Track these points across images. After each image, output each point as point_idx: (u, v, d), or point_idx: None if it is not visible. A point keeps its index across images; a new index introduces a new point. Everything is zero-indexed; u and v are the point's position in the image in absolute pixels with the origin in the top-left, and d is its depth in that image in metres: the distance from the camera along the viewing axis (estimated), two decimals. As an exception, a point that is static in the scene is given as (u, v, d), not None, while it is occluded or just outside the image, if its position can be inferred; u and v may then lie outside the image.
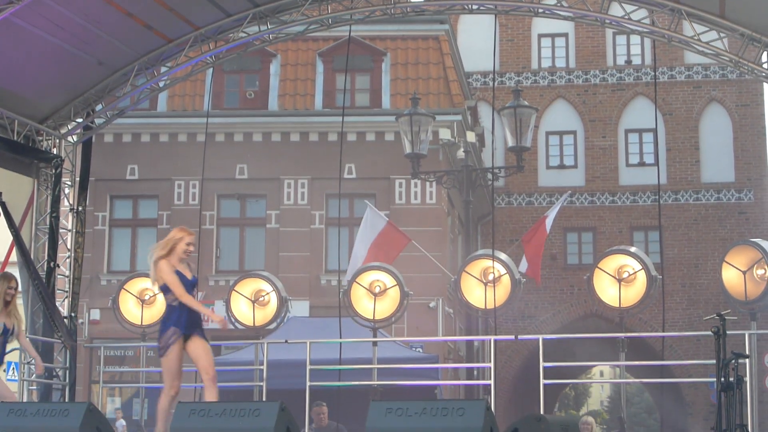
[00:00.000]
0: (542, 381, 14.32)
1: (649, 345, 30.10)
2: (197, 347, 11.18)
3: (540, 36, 36.42)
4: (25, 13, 14.49)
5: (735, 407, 10.46)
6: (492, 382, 15.00)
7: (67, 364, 16.64)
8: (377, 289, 17.29)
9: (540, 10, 17.25)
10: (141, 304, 18.25)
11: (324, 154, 28.15)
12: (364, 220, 22.83)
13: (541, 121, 34.48)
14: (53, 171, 17.03)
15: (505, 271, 17.39)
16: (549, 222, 23.14)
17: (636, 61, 35.88)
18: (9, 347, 12.59)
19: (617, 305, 16.64)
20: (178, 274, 11.12)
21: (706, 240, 33.84)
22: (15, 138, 16.26)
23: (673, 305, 31.53)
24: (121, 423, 24.50)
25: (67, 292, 17.21)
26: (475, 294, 17.58)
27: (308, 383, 15.00)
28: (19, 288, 12.94)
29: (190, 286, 11.27)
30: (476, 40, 34.08)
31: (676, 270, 32.82)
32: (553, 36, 36.28)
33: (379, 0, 17.36)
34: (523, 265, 22.53)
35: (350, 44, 21.99)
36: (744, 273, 15.58)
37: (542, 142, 35.38)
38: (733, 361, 10.58)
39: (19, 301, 13.03)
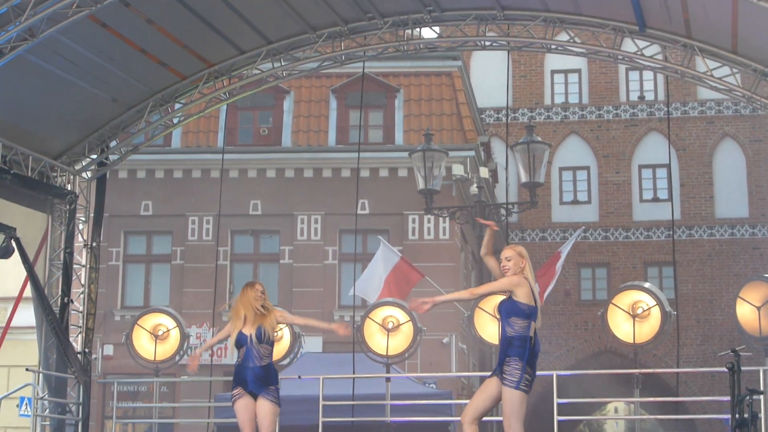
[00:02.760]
0: (556, 417, 14.26)
1: (663, 381, 29.94)
2: None
3: (553, 72, 36.46)
4: (39, 50, 14.57)
5: (750, 444, 10.41)
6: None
7: (81, 400, 16.63)
8: (390, 325, 17.29)
9: (553, 47, 17.31)
10: (154, 339, 18.27)
11: (337, 190, 28.19)
12: (375, 256, 22.80)
13: (555, 157, 34.47)
14: (67, 207, 17.08)
15: (519, 307, 17.33)
16: (559, 264, 22.96)
17: (649, 96, 35.88)
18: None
19: (632, 341, 16.62)
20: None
21: (720, 276, 33.70)
22: (29, 174, 16.31)
23: (688, 341, 31.37)
24: None
25: (80, 327, 17.22)
26: (488, 330, 17.58)
27: (321, 419, 14.94)
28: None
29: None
30: (489, 76, 34.21)
31: (690, 306, 32.66)
32: (566, 72, 36.34)
33: (392, 37, 17.43)
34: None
35: (363, 81, 22.05)
36: (758, 309, 15.55)
37: (555, 178, 35.35)
38: (748, 397, 10.53)
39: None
